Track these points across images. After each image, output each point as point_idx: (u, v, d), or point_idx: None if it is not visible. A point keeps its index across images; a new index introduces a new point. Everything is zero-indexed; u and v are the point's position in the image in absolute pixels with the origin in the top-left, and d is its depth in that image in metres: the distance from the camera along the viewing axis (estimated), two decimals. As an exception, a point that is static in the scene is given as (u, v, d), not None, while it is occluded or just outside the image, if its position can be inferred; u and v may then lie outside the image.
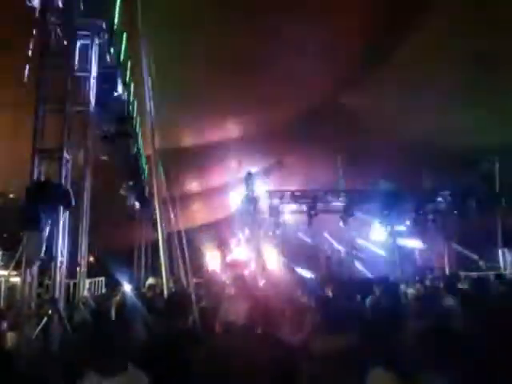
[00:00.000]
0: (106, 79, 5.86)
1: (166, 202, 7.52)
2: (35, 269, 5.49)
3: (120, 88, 6.35)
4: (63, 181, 5.69)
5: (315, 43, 7.57)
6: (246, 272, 14.21)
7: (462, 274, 10.53)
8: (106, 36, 5.79)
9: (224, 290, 9.16)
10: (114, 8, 5.75)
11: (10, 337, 4.85)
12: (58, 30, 5.52)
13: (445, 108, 9.66)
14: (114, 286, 9.88)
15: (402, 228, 15.74)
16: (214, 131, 11.14)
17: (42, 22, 5.44)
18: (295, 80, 8.87)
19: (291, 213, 16.38)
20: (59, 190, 5.55)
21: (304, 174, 15.56)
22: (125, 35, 6.13)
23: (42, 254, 5.37)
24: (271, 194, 15.45)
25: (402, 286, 8.04)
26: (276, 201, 15.29)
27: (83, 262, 7.73)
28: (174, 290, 7.02)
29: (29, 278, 5.44)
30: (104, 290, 12.04)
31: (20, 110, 6.48)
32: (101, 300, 8.17)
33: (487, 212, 13.99)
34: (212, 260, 17.92)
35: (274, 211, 15.24)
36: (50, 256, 5.53)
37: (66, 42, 5.58)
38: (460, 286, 7.38)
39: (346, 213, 15.30)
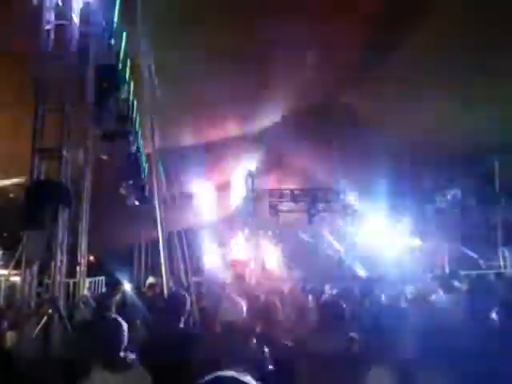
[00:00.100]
0: (106, 78, 5.85)
1: (166, 201, 7.53)
2: (35, 268, 5.48)
3: (120, 87, 6.35)
4: (63, 180, 5.69)
5: (315, 42, 7.56)
6: (246, 271, 14.22)
7: (462, 272, 10.53)
8: (106, 35, 5.79)
9: (224, 289, 9.18)
10: (114, 7, 5.74)
11: (10, 336, 4.85)
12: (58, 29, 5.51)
13: (445, 107, 9.66)
14: (114, 285, 9.86)
15: (401, 227, 15.75)
16: (213, 130, 11.13)
17: (42, 21, 5.44)
18: (295, 79, 8.87)
19: (291, 212, 16.41)
20: (59, 189, 5.55)
21: (304, 173, 15.57)
22: (125, 34, 6.13)
23: (42, 254, 5.37)
24: (271, 193, 15.47)
25: (401, 286, 8.04)
26: (276, 200, 15.32)
27: (83, 261, 7.73)
28: (173, 289, 7.03)
29: (29, 278, 5.44)
30: (104, 290, 12.03)
31: (19, 110, 6.48)
32: (101, 299, 8.17)
33: (487, 211, 14.00)
34: (212, 259, 17.92)
35: (274, 210, 15.26)
36: (50, 255, 5.53)
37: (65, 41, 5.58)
38: (458, 284, 7.38)
39: (346, 212, 15.34)
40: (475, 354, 2.65)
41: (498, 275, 10.09)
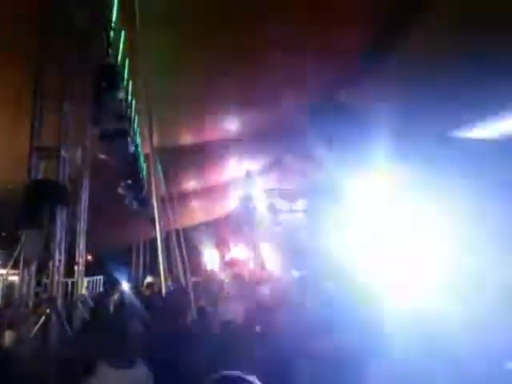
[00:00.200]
0: (105, 78, 5.84)
1: (165, 200, 7.53)
2: (33, 267, 5.48)
3: (118, 86, 6.34)
4: (61, 179, 5.68)
5: (315, 41, 7.56)
6: (245, 271, 14.23)
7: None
8: (104, 34, 5.78)
9: (222, 288, 9.19)
10: (112, 5, 5.73)
11: (8, 335, 4.85)
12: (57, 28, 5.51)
13: (445, 105, 9.65)
14: (112, 284, 9.88)
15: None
16: (212, 130, 11.12)
17: (42, 21, 5.44)
18: (295, 78, 8.86)
19: (289, 211, 16.42)
20: (57, 188, 5.54)
21: (303, 171, 15.57)
22: (123, 33, 6.12)
23: (41, 253, 5.37)
24: (270, 192, 15.48)
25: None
26: (274, 199, 15.33)
27: (81, 261, 7.74)
28: (172, 288, 7.04)
29: (27, 277, 5.44)
30: (102, 289, 12.04)
31: (19, 109, 6.47)
32: (99, 299, 8.18)
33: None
34: (210, 259, 17.94)
35: (273, 210, 15.27)
36: (48, 255, 5.52)
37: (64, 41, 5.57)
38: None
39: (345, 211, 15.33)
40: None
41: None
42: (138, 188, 9.76)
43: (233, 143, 11.75)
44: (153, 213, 7.03)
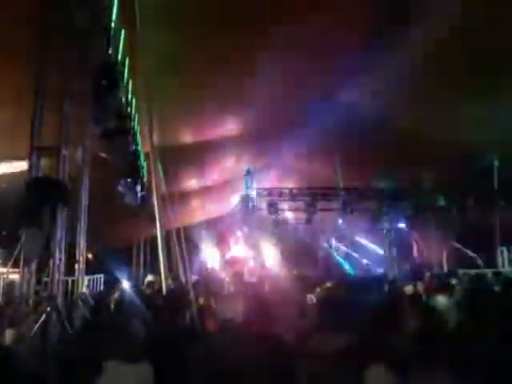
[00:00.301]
0: (105, 77, 5.84)
1: (165, 199, 7.52)
2: (33, 266, 5.49)
3: (119, 85, 6.34)
4: (61, 178, 5.69)
5: (314, 40, 7.56)
6: (245, 269, 14.24)
7: (460, 271, 10.57)
8: (105, 33, 5.78)
9: (223, 287, 9.20)
10: (113, 5, 5.73)
11: (9, 333, 4.86)
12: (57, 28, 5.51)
13: (445, 106, 9.66)
14: (112, 283, 9.90)
15: (400, 226, 15.77)
16: (212, 129, 11.12)
17: (42, 21, 5.44)
18: (295, 77, 8.87)
19: (290, 211, 16.42)
20: (58, 187, 5.55)
21: (303, 171, 15.57)
22: (123, 32, 6.12)
23: (41, 252, 5.38)
24: (270, 191, 15.48)
25: (400, 285, 8.06)
26: (275, 199, 15.32)
27: (82, 259, 7.76)
28: (172, 287, 7.04)
29: (27, 275, 5.45)
30: (103, 287, 12.05)
31: (19, 109, 6.47)
32: (99, 297, 8.19)
33: (486, 210, 14.01)
34: (211, 257, 17.95)
35: (273, 209, 15.27)
36: (49, 253, 5.53)
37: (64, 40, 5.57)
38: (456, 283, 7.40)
39: (345, 211, 15.35)
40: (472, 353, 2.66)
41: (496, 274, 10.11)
42: (139, 187, 9.76)
43: (233, 142, 11.76)
44: (153, 211, 7.02)
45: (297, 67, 8.34)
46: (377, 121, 10.51)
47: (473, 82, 8.49)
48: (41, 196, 5.27)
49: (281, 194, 15.35)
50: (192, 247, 15.20)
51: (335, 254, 18.23)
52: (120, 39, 5.95)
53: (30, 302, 5.42)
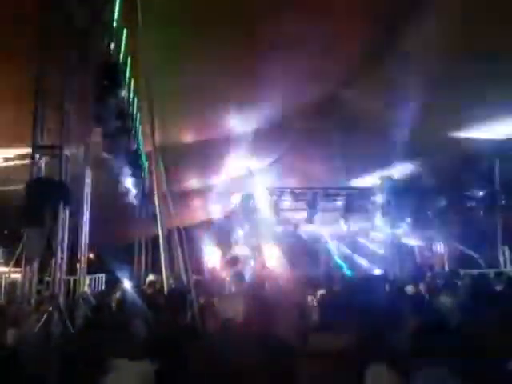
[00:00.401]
0: (107, 76, 5.85)
1: (166, 198, 7.53)
2: (35, 265, 5.50)
3: (120, 84, 6.35)
4: (63, 177, 5.70)
5: (315, 40, 7.55)
6: (246, 269, 14.23)
7: (462, 272, 10.56)
8: (106, 32, 5.79)
9: (223, 287, 9.20)
10: (114, 3, 5.73)
11: (10, 333, 4.87)
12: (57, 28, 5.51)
13: (444, 105, 9.65)
14: (114, 282, 9.90)
15: (402, 226, 15.75)
16: (214, 128, 11.13)
17: (42, 21, 5.44)
18: (295, 77, 8.86)
19: (291, 210, 16.40)
20: (59, 186, 5.56)
21: (304, 170, 15.56)
22: (125, 31, 6.12)
23: (43, 251, 5.39)
24: (271, 191, 15.46)
25: (401, 284, 8.05)
26: (276, 198, 15.31)
27: (83, 259, 7.77)
28: (173, 286, 7.05)
29: (29, 275, 5.46)
30: (104, 287, 12.06)
31: (20, 108, 6.48)
32: (101, 297, 8.20)
33: (487, 210, 14.00)
34: (212, 257, 17.94)
35: (274, 208, 15.25)
36: (50, 253, 5.54)
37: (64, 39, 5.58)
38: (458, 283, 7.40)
39: (346, 210, 15.34)
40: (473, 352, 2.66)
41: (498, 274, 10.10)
42: (140, 186, 9.78)
43: (234, 141, 11.75)
44: (154, 211, 7.04)
45: (298, 66, 8.34)
46: (376, 122, 10.52)
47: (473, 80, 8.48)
48: (42, 195, 5.28)
49: (282, 194, 15.34)
50: (193, 247, 15.20)
51: (335, 255, 18.20)
52: (122, 38, 5.95)
53: (32, 301, 5.43)
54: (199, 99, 8.63)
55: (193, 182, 14.77)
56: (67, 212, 5.81)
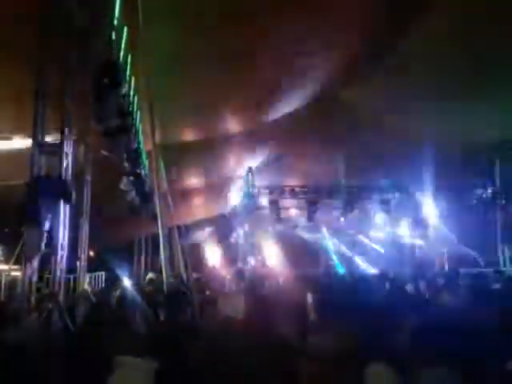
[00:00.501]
0: (107, 74, 5.84)
1: (167, 197, 7.54)
2: (35, 263, 5.51)
3: (120, 83, 6.34)
4: (63, 176, 5.71)
5: (315, 38, 7.55)
6: (246, 268, 14.25)
7: (462, 270, 10.56)
8: (106, 31, 5.78)
9: (223, 285, 9.22)
10: (115, 2, 5.72)
11: (10, 331, 4.87)
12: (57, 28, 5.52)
13: (445, 105, 9.65)
14: (114, 280, 9.92)
15: (402, 225, 15.78)
16: (214, 127, 11.12)
17: (42, 21, 5.45)
18: (295, 77, 8.86)
19: (291, 209, 16.42)
20: (60, 184, 5.57)
21: (304, 169, 15.57)
22: (125, 29, 6.11)
23: (42, 249, 5.40)
24: (271, 189, 15.47)
25: (401, 283, 8.05)
26: (276, 196, 15.32)
27: (83, 257, 7.79)
28: (173, 284, 7.06)
29: (29, 272, 5.47)
30: (104, 285, 12.09)
31: (20, 108, 6.49)
32: (101, 294, 8.21)
33: (487, 209, 14.02)
34: (212, 255, 17.98)
35: (274, 207, 15.27)
36: (50, 250, 5.55)
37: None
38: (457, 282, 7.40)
39: (346, 209, 15.35)
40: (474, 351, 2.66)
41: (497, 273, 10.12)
42: (140, 184, 9.77)
43: (234, 140, 11.75)
44: (155, 209, 7.04)
45: (298, 66, 8.34)
46: (376, 120, 10.53)
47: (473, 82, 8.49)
48: (43, 194, 5.29)
49: (282, 192, 15.35)
50: (193, 245, 15.22)
51: (335, 254, 18.22)
52: (122, 37, 5.95)
53: (32, 299, 5.44)
54: (199, 98, 8.63)
55: (193, 181, 14.77)
56: (67, 210, 5.83)
